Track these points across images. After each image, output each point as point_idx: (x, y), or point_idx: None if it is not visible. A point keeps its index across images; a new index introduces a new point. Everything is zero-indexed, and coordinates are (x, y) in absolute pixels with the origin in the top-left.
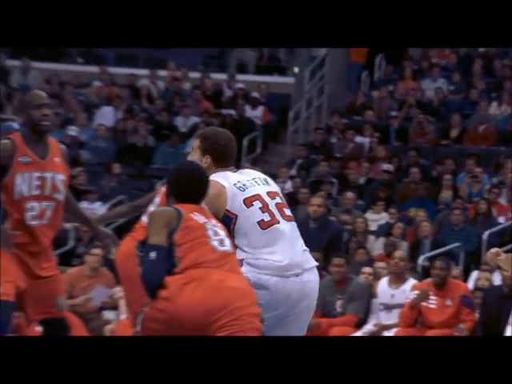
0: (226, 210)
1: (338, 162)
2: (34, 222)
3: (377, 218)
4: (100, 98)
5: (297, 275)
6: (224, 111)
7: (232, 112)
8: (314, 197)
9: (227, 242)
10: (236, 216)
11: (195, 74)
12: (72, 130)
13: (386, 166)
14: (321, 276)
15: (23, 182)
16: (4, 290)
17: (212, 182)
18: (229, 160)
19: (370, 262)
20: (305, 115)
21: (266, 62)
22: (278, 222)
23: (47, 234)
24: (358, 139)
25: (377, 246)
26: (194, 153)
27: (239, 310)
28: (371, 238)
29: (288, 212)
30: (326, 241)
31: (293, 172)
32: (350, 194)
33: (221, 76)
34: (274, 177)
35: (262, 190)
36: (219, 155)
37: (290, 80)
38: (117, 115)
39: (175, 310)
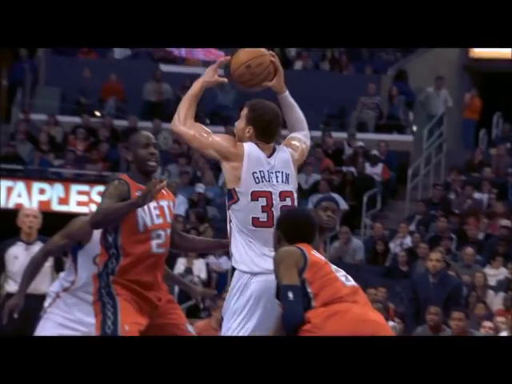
0: (233, 189)
1: (457, 217)
2: (161, 250)
3: (496, 273)
4: None
5: (262, 275)
6: (344, 168)
7: (352, 169)
8: (434, 252)
9: (350, 277)
10: (238, 199)
11: (317, 133)
12: (200, 188)
13: (505, 222)
14: (441, 330)
15: (144, 214)
16: (130, 328)
17: (242, 146)
18: (271, 135)
19: (489, 316)
20: (423, 172)
21: (385, 121)
22: (271, 226)
23: (164, 260)
24: (477, 195)
25: (496, 300)
26: (241, 120)
27: None
28: (490, 292)
29: None
30: (445, 295)
31: (412, 228)
32: (469, 250)
33: (341, 135)
34: (394, 232)
35: (276, 188)
36: (262, 129)
37: (408, 138)
38: None
39: None
